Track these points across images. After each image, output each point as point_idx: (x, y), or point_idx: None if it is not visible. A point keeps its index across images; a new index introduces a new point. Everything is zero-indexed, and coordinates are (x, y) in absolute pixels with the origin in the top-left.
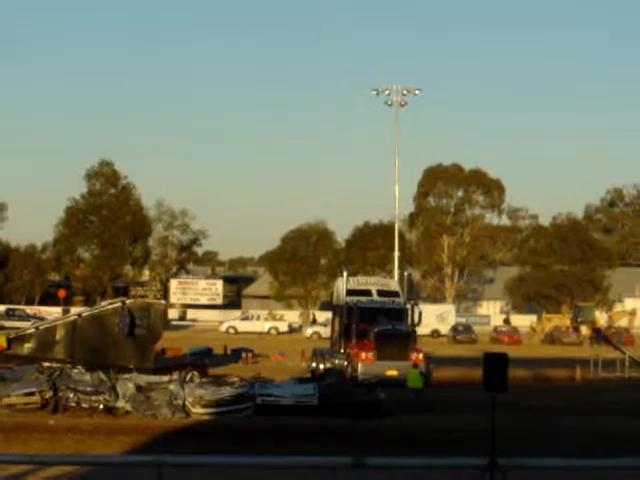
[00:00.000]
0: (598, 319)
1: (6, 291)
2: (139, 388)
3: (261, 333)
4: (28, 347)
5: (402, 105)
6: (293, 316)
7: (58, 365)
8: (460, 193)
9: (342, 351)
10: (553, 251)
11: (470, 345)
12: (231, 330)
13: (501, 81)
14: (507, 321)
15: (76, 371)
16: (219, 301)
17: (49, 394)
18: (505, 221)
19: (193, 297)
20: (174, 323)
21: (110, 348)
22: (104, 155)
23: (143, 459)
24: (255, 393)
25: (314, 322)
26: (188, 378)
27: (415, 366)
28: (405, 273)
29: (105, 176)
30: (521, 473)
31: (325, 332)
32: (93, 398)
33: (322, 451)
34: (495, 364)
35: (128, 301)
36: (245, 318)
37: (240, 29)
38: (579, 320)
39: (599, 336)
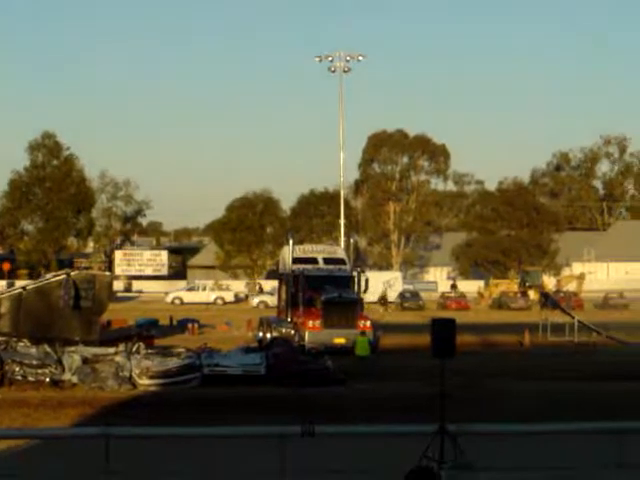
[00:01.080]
0: (546, 284)
1: None
2: (85, 360)
3: (207, 303)
4: None
5: (345, 72)
6: (239, 286)
7: (3, 338)
8: (405, 159)
9: (289, 320)
10: (500, 216)
11: (418, 312)
12: (177, 301)
13: (444, 45)
14: (454, 286)
15: (22, 344)
16: (164, 272)
17: None
18: (451, 187)
19: (138, 268)
20: (119, 295)
21: (55, 321)
22: (46, 127)
23: (90, 431)
24: (202, 363)
25: (260, 291)
26: (134, 350)
27: (363, 334)
28: (351, 240)
29: (48, 148)
30: (471, 439)
31: (272, 301)
32: (39, 371)
33: (270, 420)
34: (443, 330)
35: (73, 273)
36: (191, 289)
37: None
38: (527, 285)
39: (547, 301)
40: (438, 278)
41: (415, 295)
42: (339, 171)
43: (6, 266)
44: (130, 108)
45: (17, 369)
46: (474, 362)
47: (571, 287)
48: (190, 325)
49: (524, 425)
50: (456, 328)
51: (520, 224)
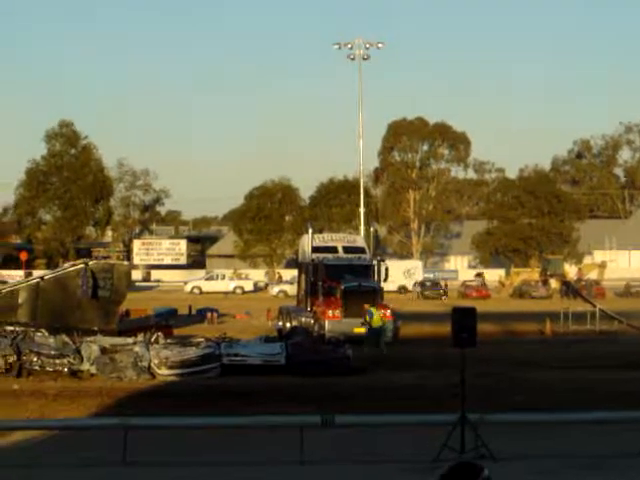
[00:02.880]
0: (567, 272)
1: None
2: (103, 350)
3: (226, 293)
4: None
5: (365, 59)
6: (258, 275)
7: (21, 329)
8: (425, 147)
9: (309, 309)
10: (520, 204)
11: (438, 301)
12: (196, 290)
13: (464, 33)
14: (480, 275)
15: (39, 334)
16: (183, 261)
17: (13, 358)
18: (471, 175)
19: (157, 257)
20: (138, 284)
21: (73, 310)
22: (64, 116)
23: (109, 422)
24: (221, 353)
25: (280, 280)
26: (153, 339)
27: (379, 309)
28: (371, 229)
29: (65, 137)
30: (492, 428)
31: (291, 290)
32: (57, 361)
33: (290, 410)
34: (464, 318)
35: (91, 263)
36: (210, 278)
37: None
38: (548, 273)
39: (569, 289)
40: (459, 267)
41: (435, 284)
42: (359, 159)
43: (24, 256)
44: (147, 97)
45: (35, 359)
46: (495, 351)
47: (592, 275)
48: (209, 314)
49: (544, 414)
50: (477, 317)
51: (541, 212)
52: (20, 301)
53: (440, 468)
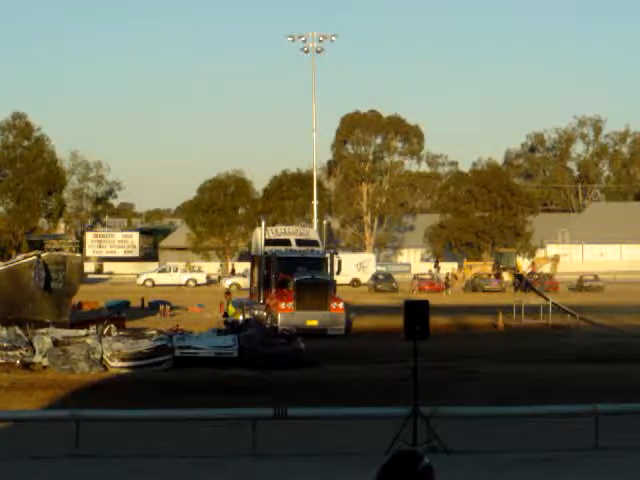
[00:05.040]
0: (520, 266)
1: None
2: (56, 342)
3: (179, 285)
4: None
5: (318, 52)
6: (211, 267)
7: None
8: (379, 140)
9: (261, 302)
10: (473, 197)
11: (391, 294)
12: (148, 283)
13: (417, 26)
14: (437, 265)
15: None
16: (136, 253)
17: None
18: (425, 168)
19: (109, 250)
20: (90, 276)
21: (26, 302)
22: (17, 107)
23: (61, 414)
24: (174, 345)
25: (233, 273)
26: (105, 332)
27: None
28: (324, 222)
29: (18, 128)
30: (444, 421)
31: (244, 283)
32: (10, 353)
33: (243, 403)
34: (416, 311)
35: (43, 255)
36: (162, 270)
37: None
38: (501, 267)
39: (522, 283)
40: (412, 260)
41: (388, 277)
42: (312, 152)
43: None
44: (101, 88)
45: None
46: (448, 344)
47: (545, 269)
48: (162, 307)
49: (497, 408)
50: (429, 310)
51: (494, 206)
52: None
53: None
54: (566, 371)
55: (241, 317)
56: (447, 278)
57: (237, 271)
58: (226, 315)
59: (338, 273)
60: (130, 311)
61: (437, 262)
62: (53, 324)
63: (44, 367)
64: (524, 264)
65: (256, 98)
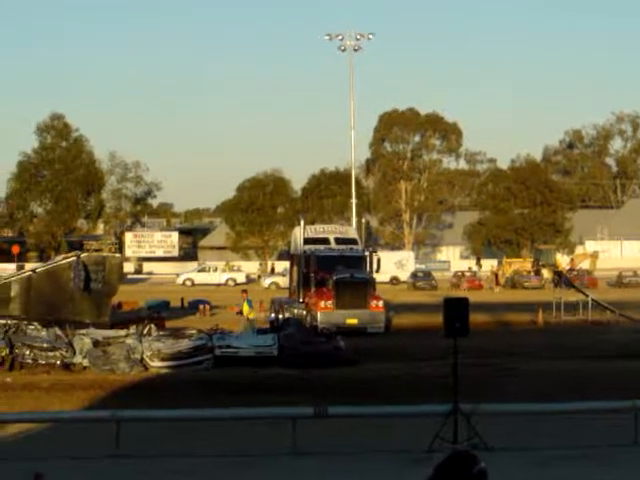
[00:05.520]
0: (559, 262)
1: None
2: (96, 343)
3: (218, 285)
4: None
5: (356, 50)
6: (251, 267)
7: (13, 322)
8: (417, 138)
9: (301, 300)
10: (512, 195)
11: (430, 291)
12: (188, 282)
13: (455, 23)
14: (479, 263)
15: (32, 327)
16: (175, 253)
17: (5, 351)
18: (463, 165)
19: (149, 250)
20: (130, 277)
21: (66, 303)
22: (55, 108)
23: (101, 415)
24: (214, 345)
25: (272, 272)
26: (145, 332)
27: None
28: (363, 220)
29: (56, 129)
30: (484, 418)
31: (283, 282)
32: (50, 354)
33: (283, 402)
34: (456, 309)
35: (83, 255)
36: (202, 270)
37: None
38: (540, 264)
39: (561, 279)
40: (451, 257)
41: (427, 275)
42: (350, 150)
43: (16, 249)
44: (140, 88)
45: (27, 352)
46: (487, 341)
47: (584, 265)
48: (201, 306)
49: (537, 405)
50: (469, 307)
51: (533, 202)
52: (12, 294)
53: (434, 458)
54: (605, 367)
55: (253, 316)
56: (496, 275)
57: (276, 270)
58: (241, 313)
59: (377, 271)
60: (170, 311)
61: (479, 259)
62: (93, 325)
63: (84, 368)
64: (563, 261)
65: (294, 97)
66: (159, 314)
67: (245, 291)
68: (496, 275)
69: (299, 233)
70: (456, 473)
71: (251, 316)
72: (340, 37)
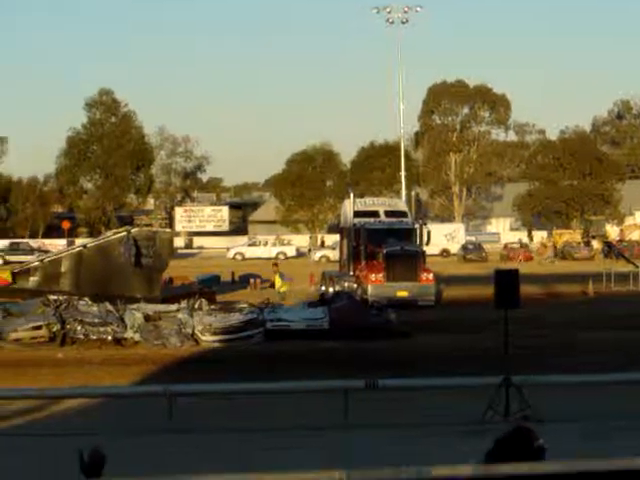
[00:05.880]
0: (609, 233)
1: (9, 225)
2: (147, 318)
3: (269, 258)
4: (34, 280)
5: (403, 23)
6: (301, 240)
7: (64, 297)
8: (466, 110)
9: (351, 273)
10: (561, 166)
11: (480, 263)
12: (238, 256)
13: None
14: (530, 235)
15: (83, 303)
16: (225, 227)
17: (56, 327)
18: (512, 137)
19: (199, 224)
20: (180, 251)
21: (117, 278)
22: (103, 84)
23: (153, 389)
24: (265, 319)
25: (322, 245)
26: (196, 306)
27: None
28: (412, 193)
29: (105, 105)
30: (536, 390)
31: (333, 255)
32: (101, 329)
33: (334, 374)
34: (506, 280)
35: (133, 230)
36: (252, 244)
37: None
38: (590, 235)
39: (611, 250)
40: (500, 229)
41: (477, 247)
42: (399, 123)
43: (66, 224)
44: (188, 63)
45: (79, 328)
46: (538, 313)
47: (634, 236)
48: (252, 280)
49: (590, 375)
50: (519, 279)
51: (582, 174)
52: (63, 270)
53: (491, 431)
54: None
55: (285, 289)
56: (555, 247)
57: (326, 243)
58: (272, 286)
59: (427, 244)
60: (220, 285)
61: (530, 231)
62: (144, 299)
63: (136, 342)
64: (613, 232)
65: (343, 70)
66: (210, 288)
67: (276, 264)
68: (546, 247)
69: (349, 206)
70: (517, 447)
71: (283, 289)
72: (388, 10)
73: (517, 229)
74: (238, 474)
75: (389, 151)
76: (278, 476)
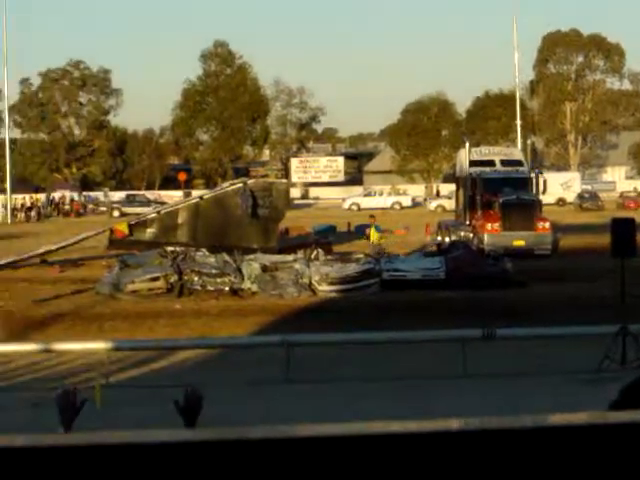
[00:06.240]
0: None
1: (126, 177)
2: (264, 268)
3: (384, 208)
4: (150, 232)
5: None
6: (416, 190)
7: (181, 249)
8: (580, 59)
9: (467, 223)
10: None
11: (597, 212)
12: (354, 207)
13: None
14: None
15: (200, 254)
16: (341, 178)
17: (174, 278)
18: (626, 86)
19: (314, 175)
20: (296, 202)
21: (233, 229)
22: (218, 36)
23: (270, 339)
24: (381, 269)
25: (437, 195)
26: (313, 256)
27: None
28: (528, 142)
29: (220, 57)
30: None
31: (449, 205)
32: (218, 280)
33: (451, 324)
34: (623, 229)
35: (249, 182)
36: (368, 194)
37: None
38: None
39: None
40: (616, 178)
41: (593, 195)
42: (514, 72)
43: (182, 176)
44: (300, 13)
45: (196, 279)
46: None
47: None
48: (368, 231)
49: None
50: (636, 227)
51: None
52: (180, 221)
53: (608, 380)
54: None
55: (382, 241)
56: None
57: (441, 193)
58: (368, 239)
59: (543, 193)
60: (337, 235)
61: None
62: (261, 250)
63: (253, 293)
64: None
65: (458, 19)
66: (326, 239)
67: (373, 216)
68: None
69: (464, 156)
70: None
71: (379, 241)
72: None
73: (632, 177)
74: (355, 423)
75: (504, 100)
76: (391, 425)
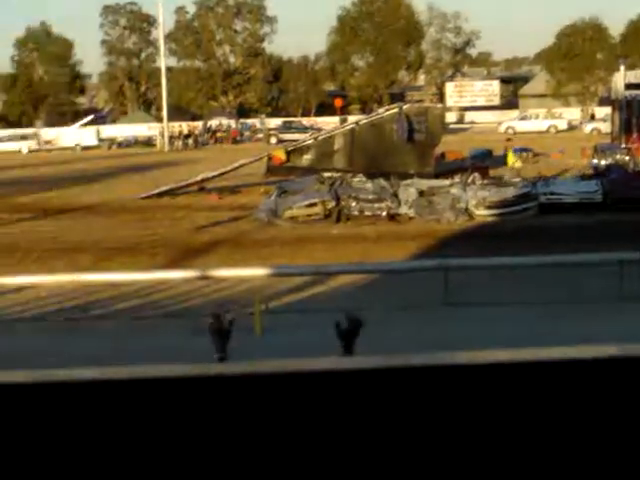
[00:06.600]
0: None
1: (281, 104)
2: (421, 193)
3: (540, 132)
4: (307, 158)
5: None
6: (572, 113)
7: (338, 175)
8: None
9: (623, 146)
10: None
11: None
12: (510, 130)
13: None
14: None
15: (357, 180)
16: (496, 102)
17: (331, 204)
18: None
19: (470, 99)
20: (452, 126)
21: (389, 155)
22: None
23: (429, 264)
24: (538, 192)
25: (593, 118)
26: (470, 181)
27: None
28: None
29: None
30: None
31: (605, 128)
32: (376, 206)
33: (609, 247)
34: None
35: (405, 107)
36: (523, 118)
37: None
38: None
39: None
40: None
41: None
42: None
43: (338, 102)
44: None
45: (354, 204)
46: None
47: None
48: (524, 154)
49: None
50: None
51: None
52: (336, 147)
53: None
54: None
55: (519, 165)
56: None
57: (597, 116)
58: (505, 164)
59: None
60: (493, 160)
61: None
62: (417, 175)
63: (410, 218)
64: None
65: None
66: (482, 163)
67: (509, 139)
68: None
69: (620, 79)
70: None
71: (517, 165)
72: None
73: None
74: (518, 350)
75: None
76: (548, 351)
